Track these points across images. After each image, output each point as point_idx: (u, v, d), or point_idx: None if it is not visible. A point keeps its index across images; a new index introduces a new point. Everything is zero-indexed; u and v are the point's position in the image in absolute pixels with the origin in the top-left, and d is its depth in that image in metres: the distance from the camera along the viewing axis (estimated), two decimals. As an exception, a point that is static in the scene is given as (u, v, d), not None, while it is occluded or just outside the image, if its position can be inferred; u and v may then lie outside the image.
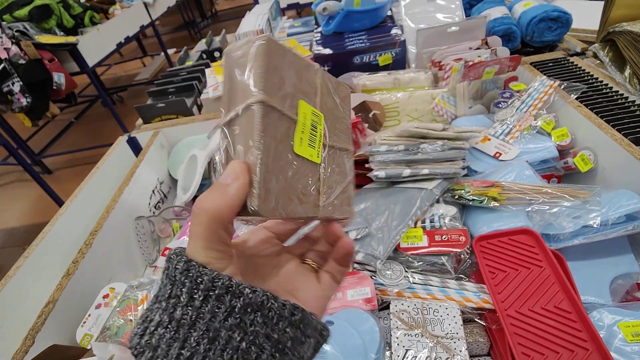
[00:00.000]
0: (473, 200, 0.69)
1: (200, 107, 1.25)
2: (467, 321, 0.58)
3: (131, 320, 0.61)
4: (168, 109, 1.16)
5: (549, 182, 0.84)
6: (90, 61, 2.29)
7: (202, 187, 1.02)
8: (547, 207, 0.64)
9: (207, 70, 1.29)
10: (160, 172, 1.09)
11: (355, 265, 0.65)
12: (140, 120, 1.22)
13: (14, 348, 0.59)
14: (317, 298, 0.29)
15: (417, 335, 0.53)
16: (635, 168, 0.68)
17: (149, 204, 0.99)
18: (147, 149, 1.06)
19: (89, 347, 0.61)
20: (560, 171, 0.84)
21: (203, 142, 1.05)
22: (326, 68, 1.15)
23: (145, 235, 0.90)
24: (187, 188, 1.00)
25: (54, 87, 2.09)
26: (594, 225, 0.63)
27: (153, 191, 1.03)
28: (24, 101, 1.98)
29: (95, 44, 2.35)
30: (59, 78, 2.10)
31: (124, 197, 0.88)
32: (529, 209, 0.65)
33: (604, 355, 0.48)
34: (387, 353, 0.53)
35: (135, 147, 1.14)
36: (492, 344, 0.56)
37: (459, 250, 0.61)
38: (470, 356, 0.57)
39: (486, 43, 1.04)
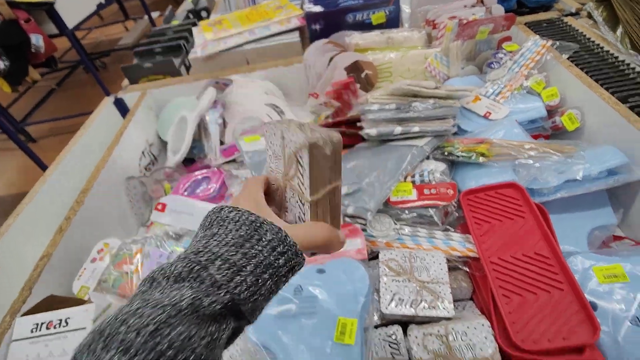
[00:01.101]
0: (462, 156, 0.70)
1: (188, 68, 1.22)
2: (452, 269, 0.60)
3: (127, 273, 0.62)
4: (155, 69, 1.12)
5: (536, 142, 0.86)
6: (69, 22, 2.18)
7: (192, 149, 1.01)
8: (533, 161, 0.65)
9: (194, 30, 1.25)
10: (149, 134, 1.07)
11: (347, 219, 0.66)
12: (126, 81, 1.19)
13: (11, 299, 0.60)
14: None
15: (404, 281, 0.55)
16: (620, 126, 0.69)
17: (139, 166, 0.99)
18: (135, 109, 1.04)
19: (86, 298, 0.63)
20: (548, 131, 0.85)
21: (193, 104, 1.03)
22: (317, 27, 1.12)
23: (137, 196, 0.90)
24: (176, 150, 0.99)
25: (33, 50, 2.00)
26: (578, 178, 0.66)
27: (143, 153, 1.02)
28: (1, 64, 1.89)
29: (74, 3, 2.23)
30: (36, 40, 2.00)
31: (114, 157, 0.88)
32: (516, 163, 0.67)
33: (577, 294, 0.51)
34: (376, 297, 0.55)
35: (123, 108, 1.11)
36: (474, 290, 0.59)
37: (446, 202, 0.63)
38: (455, 300, 0.60)
39: (481, 1, 1.02)
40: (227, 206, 0.31)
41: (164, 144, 1.11)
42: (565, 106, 0.83)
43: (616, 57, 0.86)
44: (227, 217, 0.30)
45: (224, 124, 1.01)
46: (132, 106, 1.05)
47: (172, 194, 0.82)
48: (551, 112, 0.86)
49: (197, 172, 0.86)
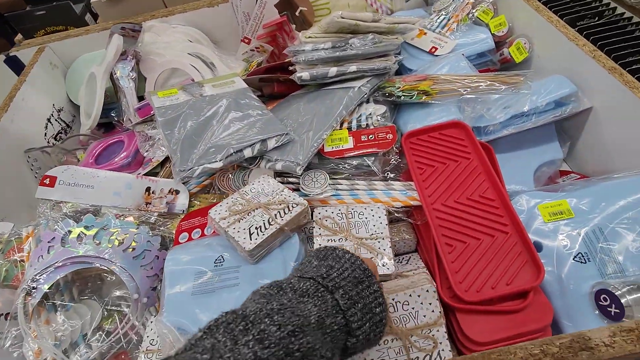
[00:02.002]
0: (403, 96, 0.63)
1: (95, 16, 1.03)
2: (394, 221, 0.55)
3: (19, 261, 0.53)
4: (51, 17, 0.94)
5: (485, 78, 0.80)
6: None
7: (108, 111, 0.87)
8: (477, 96, 0.59)
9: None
10: (55, 97, 0.91)
11: (278, 178, 0.59)
12: (20, 36, 0.99)
13: None
14: None
15: (340, 240, 0.50)
16: (568, 51, 0.64)
17: (45, 135, 0.84)
18: (30, 68, 0.87)
19: (-27, 295, 0.53)
20: (497, 64, 0.79)
21: (99, 58, 0.87)
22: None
23: (42, 170, 0.77)
24: (90, 113, 0.85)
25: None
26: (524, 110, 0.61)
27: (49, 120, 0.87)
28: None
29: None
30: None
31: (3, 127, 0.73)
32: (455, 100, 0.60)
33: (521, 236, 0.47)
34: (310, 260, 0.50)
35: (19, 69, 0.93)
36: (418, 240, 0.55)
37: (385, 149, 0.56)
38: (398, 254, 0.56)
39: None
40: (337, 247, 0.36)
41: (77, 108, 0.96)
42: (514, 36, 0.77)
43: (566, -22, 0.79)
44: (343, 256, 0.35)
45: (145, 80, 0.87)
46: (27, 65, 0.88)
47: (81, 165, 0.70)
48: (500, 43, 0.80)
49: (109, 137, 0.74)
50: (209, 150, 0.55)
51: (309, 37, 0.72)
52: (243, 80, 0.77)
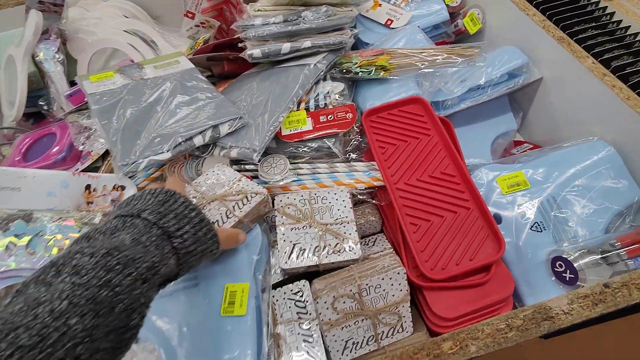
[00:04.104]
0: (361, 72, 0.60)
1: (7, -12, 0.89)
2: (359, 203, 0.54)
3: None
4: (-50, -10, 0.79)
5: (440, 51, 0.80)
6: None
7: (34, 99, 0.77)
8: (435, 70, 0.58)
9: None
10: (-33, 85, 0.79)
11: (235, 166, 0.55)
12: None
13: None
14: None
15: (304, 228, 0.48)
16: (519, 21, 0.64)
17: (-42, 130, 0.73)
18: None
19: None
20: (452, 36, 0.79)
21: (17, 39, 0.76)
22: None
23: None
24: (13, 101, 0.74)
25: None
26: (480, 83, 0.61)
27: (-38, 112, 0.76)
28: None
29: None
30: None
31: None
32: (413, 75, 0.59)
33: (482, 210, 0.48)
34: (275, 251, 0.48)
35: None
36: (384, 221, 0.54)
37: (346, 129, 0.54)
38: (364, 236, 0.55)
39: None
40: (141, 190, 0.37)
41: None
42: (467, 7, 0.76)
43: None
44: (142, 193, 0.36)
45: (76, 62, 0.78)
46: None
47: (5, 163, 0.62)
48: (454, 14, 0.79)
49: (38, 129, 0.66)
50: (154, 140, 0.50)
51: (258, 10, 0.67)
52: (189, 59, 0.70)
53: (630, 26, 0.59)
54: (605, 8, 0.62)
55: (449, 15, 0.75)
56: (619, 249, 0.44)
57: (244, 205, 0.45)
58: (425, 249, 0.47)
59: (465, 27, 0.74)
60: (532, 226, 0.48)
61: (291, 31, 0.62)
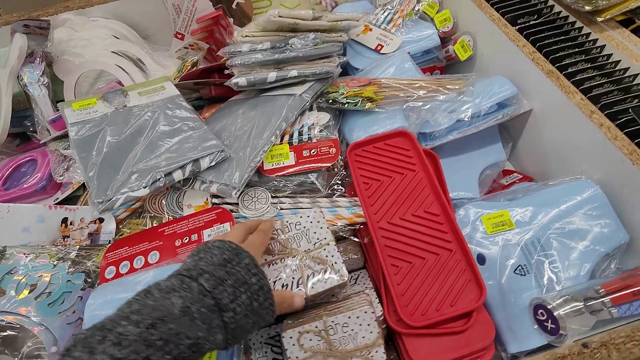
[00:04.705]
0: (347, 103, 0.60)
1: (-4, 6, 0.89)
2: (341, 239, 0.53)
3: None
4: (-62, 9, 0.79)
5: (431, 75, 0.79)
6: None
7: (21, 120, 0.76)
8: (422, 103, 0.57)
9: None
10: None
11: (215, 200, 0.54)
12: None
13: None
14: None
15: (282, 261, 0.46)
16: (509, 51, 0.63)
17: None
18: None
19: None
20: (443, 62, 0.78)
21: (4, 58, 0.75)
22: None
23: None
24: (-2, 123, 0.74)
25: None
26: (465, 119, 0.60)
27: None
28: None
29: None
30: None
31: None
32: (404, 107, 0.58)
33: (464, 252, 0.47)
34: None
35: None
36: (367, 258, 0.53)
37: (329, 164, 0.53)
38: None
39: None
40: (213, 239, 0.38)
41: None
42: (459, 33, 0.76)
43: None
44: (212, 245, 0.37)
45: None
46: None
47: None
48: (445, 39, 0.78)
49: (20, 156, 0.65)
50: (131, 176, 0.49)
51: (246, 35, 0.66)
52: (177, 84, 0.70)
53: (620, 60, 0.58)
54: (595, 40, 0.61)
55: (440, 41, 0.74)
56: (603, 296, 0.43)
57: (318, 281, 0.43)
58: (405, 293, 0.46)
59: (455, 53, 0.73)
60: (515, 269, 0.47)
61: (277, 59, 0.62)
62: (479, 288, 0.44)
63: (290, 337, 0.41)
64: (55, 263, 0.50)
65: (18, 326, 0.43)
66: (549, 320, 0.42)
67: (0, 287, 0.45)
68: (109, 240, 0.54)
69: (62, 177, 0.57)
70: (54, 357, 0.44)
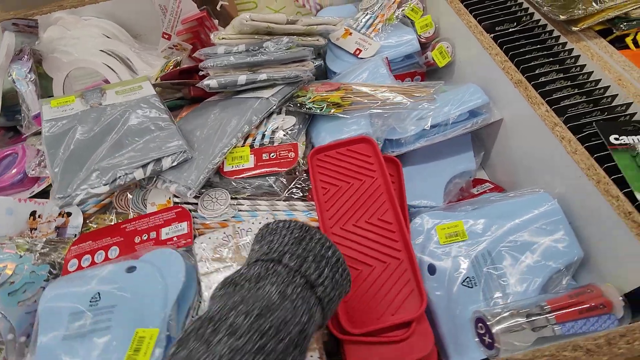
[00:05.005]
0: (314, 107, 0.60)
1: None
2: (297, 242, 0.54)
3: None
4: (-59, 7, 0.83)
5: (412, 80, 0.78)
6: None
7: (13, 114, 0.80)
8: (386, 109, 0.57)
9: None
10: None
11: (176, 199, 0.55)
12: None
13: None
14: None
15: (226, 268, 0.47)
16: (483, 59, 0.63)
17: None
18: None
19: None
20: (423, 67, 0.77)
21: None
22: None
23: None
24: (-10, 117, 0.77)
25: None
26: (437, 122, 0.60)
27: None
28: None
29: None
30: None
31: None
32: (367, 113, 0.58)
33: (412, 263, 0.47)
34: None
35: None
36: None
37: (286, 168, 0.54)
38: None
39: None
40: (269, 222, 0.37)
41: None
42: (438, 39, 0.75)
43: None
44: (278, 227, 0.36)
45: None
46: None
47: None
48: (427, 45, 0.77)
49: (5, 149, 0.68)
50: (92, 174, 0.51)
51: (223, 38, 0.67)
52: (159, 83, 0.71)
53: (593, 72, 0.56)
54: (571, 50, 0.59)
55: (419, 46, 0.74)
56: (548, 312, 0.42)
57: None
58: (349, 300, 0.46)
59: (434, 59, 0.72)
60: (463, 281, 0.46)
61: (250, 62, 0.63)
62: (420, 299, 0.44)
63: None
64: (22, 254, 0.52)
65: (-25, 313, 0.45)
66: (487, 334, 0.42)
67: (-35, 276, 0.48)
68: (75, 234, 0.56)
69: (33, 172, 0.59)
70: (10, 344, 0.47)
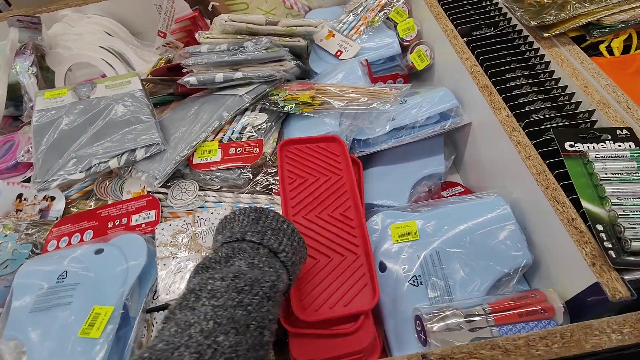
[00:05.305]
0: (285, 105, 0.62)
1: (9, 3, 0.99)
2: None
3: None
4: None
5: (394, 82, 0.79)
6: None
7: (19, 105, 0.85)
8: (349, 110, 0.59)
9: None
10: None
11: (149, 188, 0.59)
12: None
13: None
14: None
15: (187, 254, 0.50)
16: (455, 63, 0.63)
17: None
18: None
19: None
20: (404, 70, 0.78)
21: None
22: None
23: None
24: (-3, 107, 0.83)
25: None
26: (406, 123, 0.61)
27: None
28: None
29: None
30: None
31: None
32: (339, 113, 0.60)
33: (368, 258, 0.48)
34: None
35: None
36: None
37: (250, 163, 0.56)
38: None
39: None
40: (227, 214, 0.41)
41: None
42: (416, 42, 0.76)
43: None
44: (234, 214, 0.40)
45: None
46: None
47: None
48: (408, 48, 0.78)
49: (5, 136, 0.73)
50: (69, 161, 0.54)
51: (207, 37, 0.71)
52: (150, 79, 0.75)
53: (561, 78, 0.56)
54: (543, 56, 0.59)
55: (400, 49, 0.75)
56: (488, 314, 0.43)
57: None
58: (303, 287, 0.48)
59: (412, 63, 0.73)
60: (410, 279, 0.48)
61: (230, 61, 0.65)
62: (372, 293, 0.46)
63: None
64: (7, 233, 0.56)
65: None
66: (423, 332, 0.43)
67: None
68: (57, 217, 0.60)
69: (22, 158, 0.64)
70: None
